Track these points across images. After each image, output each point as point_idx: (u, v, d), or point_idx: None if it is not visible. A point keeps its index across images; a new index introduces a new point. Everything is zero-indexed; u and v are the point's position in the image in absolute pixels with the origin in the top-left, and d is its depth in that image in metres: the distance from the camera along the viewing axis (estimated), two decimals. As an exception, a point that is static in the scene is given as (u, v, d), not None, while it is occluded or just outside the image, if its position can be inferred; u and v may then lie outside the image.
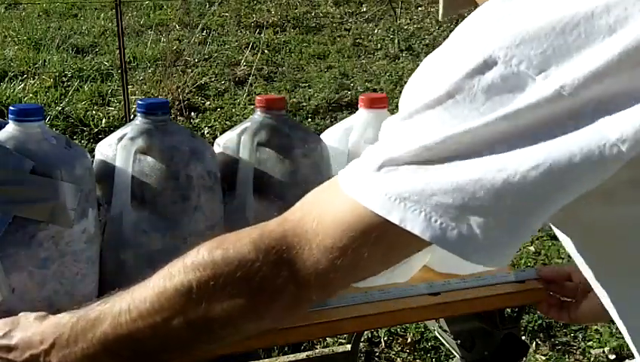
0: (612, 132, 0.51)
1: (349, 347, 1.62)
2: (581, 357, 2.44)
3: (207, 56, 5.00)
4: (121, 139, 1.05)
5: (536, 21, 0.53)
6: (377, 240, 0.59)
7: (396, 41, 5.38)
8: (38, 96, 4.23)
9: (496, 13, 0.56)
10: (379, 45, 5.44)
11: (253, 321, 0.67)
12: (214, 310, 0.65)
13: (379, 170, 0.58)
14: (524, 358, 1.44)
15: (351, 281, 0.65)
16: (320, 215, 0.62)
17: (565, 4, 0.53)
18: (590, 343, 2.48)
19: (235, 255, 0.65)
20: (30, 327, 0.77)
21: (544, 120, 0.52)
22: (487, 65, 0.53)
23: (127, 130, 1.06)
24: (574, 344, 2.50)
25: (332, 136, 1.25)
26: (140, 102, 1.07)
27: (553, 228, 0.69)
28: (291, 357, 1.56)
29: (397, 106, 0.62)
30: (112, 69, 4.65)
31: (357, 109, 1.27)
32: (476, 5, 0.73)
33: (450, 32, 0.59)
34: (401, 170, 0.56)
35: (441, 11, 0.83)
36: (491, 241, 0.55)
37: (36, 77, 4.51)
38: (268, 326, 0.68)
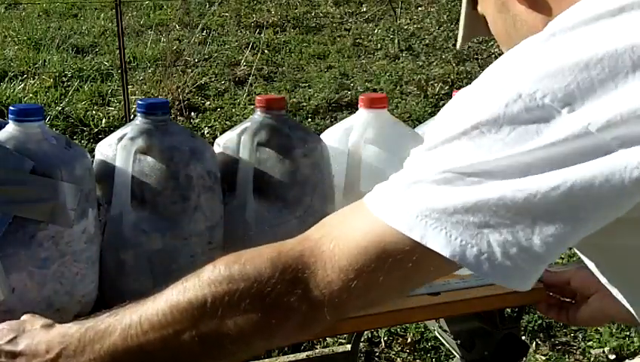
0: (633, 157, 0.52)
1: (349, 347, 1.62)
2: (581, 357, 2.44)
3: (207, 56, 5.00)
4: (121, 139, 1.05)
5: (561, 59, 0.54)
6: (395, 264, 0.60)
7: (396, 41, 5.37)
8: (38, 96, 4.22)
9: (523, 54, 0.58)
10: (379, 45, 5.43)
11: (265, 338, 0.67)
12: (227, 325, 0.65)
13: (402, 190, 0.59)
14: (524, 358, 1.44)
15: (365, 305, 0.65)
16: (338, 236, 0.63)
17: (590, 45, 0.54)
18: (590, 343, 2.48)
19: (252, 271, 0.65)
20: (36, 335, 0.77)
21: (569, 152, 0.53)
22: (513, 98, 0.54)
23: (127, 130, 1.06)
24: (574, 344, 2.50)
25: (332, 136, 1.25)
26: (140, 102, 1.07)
27: (580, 255, 0.69)
28: (291, 357, 1.56)
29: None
30: (112, 69, 4.65)
31: (357, 109, 1.27)
32: (491, 34, 0.76)
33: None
34: (424, 190, 0.58)
35: (459, 41, 0.85)
36: (510, 260, 0.56)
37: (36, 77, 4.51)
38: (278, 344, 0.69)
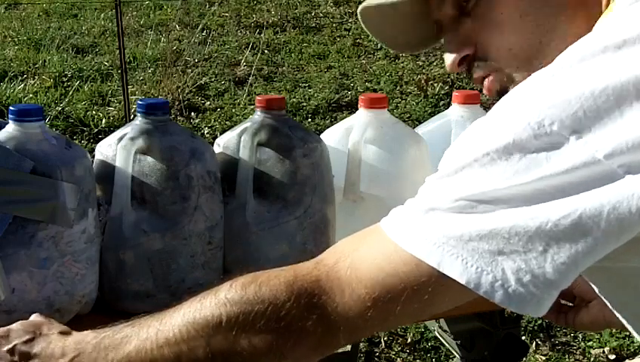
0: None
1: (349, 347, 1.62)
2: (581, 357, 2.44)
3: (207, 56, 5.00)
4: (121, 139, 1.05)
5: (568, 90, 0.56)
6: (411, 294, 0.60)
7: (396, 41, 5.37)
8: (38, 96, 4.22)
9: (532, 87, 0.59)
10: (379, 45, 5.43)
11: (277, 359, 0.68)
12: (241, 345, 0.66)
13: (419, 217, 0.60)
14: (524, 358, 1.44)
15: (380, 329, 0.66)
16: (355, 262, 0.64)
17: (595, 76, 0.56)
18: (590, 343, 2.48)
19: (267, 294, 0.66)
20: (53, 340, 0.78)
21: (578, 180, 0.54)
22: (521, 126, 0.56)
23: (127, 130, 1.06)
24: (574, 344, 2.50)
25: (332, 136, 1.25)
26: (140, 102, 1.07)
27: (587, 280, 0.70)
28: (291, 357, 1.56)
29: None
30: (112, 69, 4.65)
31: (357, 109, 1.27)
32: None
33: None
34: (440, 218, 0.59)
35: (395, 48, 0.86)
36: (524, 287, 0.57)
37: (36, 77, 4.50)
38: None
